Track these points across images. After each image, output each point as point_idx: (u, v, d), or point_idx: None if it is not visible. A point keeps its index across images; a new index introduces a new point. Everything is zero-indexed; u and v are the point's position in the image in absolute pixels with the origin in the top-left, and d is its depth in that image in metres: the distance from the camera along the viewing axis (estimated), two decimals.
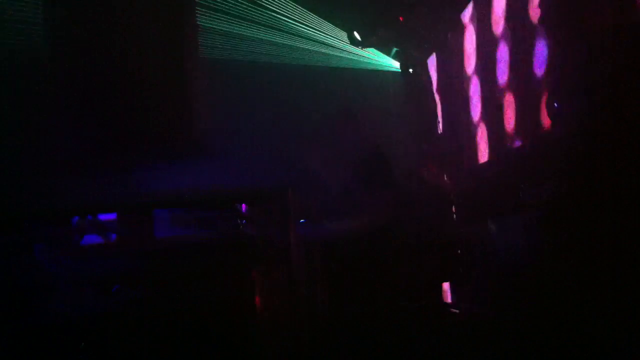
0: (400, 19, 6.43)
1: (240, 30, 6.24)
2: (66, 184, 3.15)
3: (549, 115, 3.59)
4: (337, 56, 6.87)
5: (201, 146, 3.04)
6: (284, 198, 2.57)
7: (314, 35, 6.65)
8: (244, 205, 3.17)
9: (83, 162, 3.10)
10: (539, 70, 4.14)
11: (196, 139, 3.05)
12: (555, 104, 3.49)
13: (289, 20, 6.43)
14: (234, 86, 5.71)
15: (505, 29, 5.04)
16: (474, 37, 5.81)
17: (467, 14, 5.96)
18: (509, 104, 4.93)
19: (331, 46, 6.80)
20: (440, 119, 6.58)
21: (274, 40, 6.43)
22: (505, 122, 4.99)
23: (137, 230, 2.96)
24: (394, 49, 6.98)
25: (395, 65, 7.10)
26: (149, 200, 2.87)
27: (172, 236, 3.12)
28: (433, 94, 6.65)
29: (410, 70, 6.96)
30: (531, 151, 3.95)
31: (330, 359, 3.19)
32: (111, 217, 3.33)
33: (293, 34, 6.52)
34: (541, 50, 4.13)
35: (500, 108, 5.10)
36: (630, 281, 2.59)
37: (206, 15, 5.85)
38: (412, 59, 6.90)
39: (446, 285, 5.29)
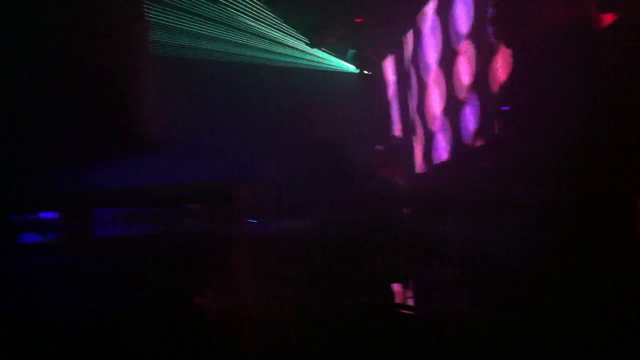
0: (357, 20, 6.45)
1: (193, 28, 6.15)
2: (8, 177, 3.03)
3: (496, 116, 3.61)
4: (293, 55, 6.83)
5: (148, 142, 2.96)
6: (232, 194, 2.50)
7: (270, 34, 6.60)
8: (192, 203, 3.09)
9: (26, 155, 2.99)
10: (493, 74, 4.17)
11: (143, 136, 2.96)
12: (502, 107, 3.51)
13: (245, 18, 6.37)
14: (185, 83, 5.62)
15: (460, 32, 5.08)
16: (431, 39, 5.84)
17: (424, 15, 6.00)
18: (465, 104, 4.96)
19: (287, 45, 6.76)
20: (395, 120, 6.61)
21: (229, 38, 6.36)
22: (462, 123, 5.03)
23: (76, 228, 2.85)
24: (351, 50, 7.00)
25: (351, 66, 7.10)
26: (90, 198, 2.76)
27: (113, 235, 3.02)
28: (387, 95, 6.68)
29: (366, 71, 6.98)
30: (484, 152, 3.97)
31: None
32: (52, 215, 3.22)
33: (248, 32, 6.46)
34: (496, 54, 4.16)
35: (455, 110, 5.14)
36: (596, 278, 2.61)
37: (158, 12, 5.74)
38: (368, 60, 6.92)
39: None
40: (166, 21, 5.86)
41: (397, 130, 6.53)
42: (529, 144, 2.94)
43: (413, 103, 6.16)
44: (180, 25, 6.03)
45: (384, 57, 6.92)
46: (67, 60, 2.89)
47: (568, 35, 2.88)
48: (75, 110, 2.85)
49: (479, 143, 4.63)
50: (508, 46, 3.42)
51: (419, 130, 5.91)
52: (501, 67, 4.03)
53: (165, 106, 3.22)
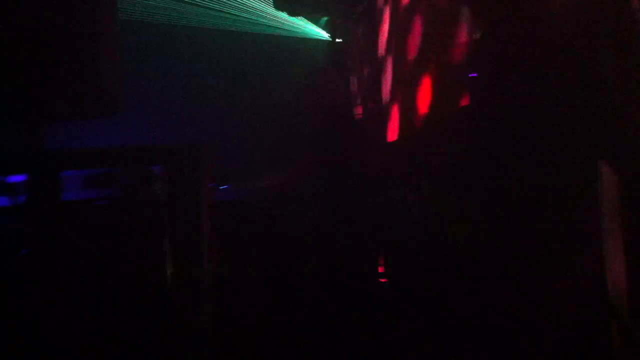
0: None
1: None
2: None
3: (462, 85, 3.67)
4: (263, 22, 6.79)
5: (113, 104, 2.96)
6: (197, 155, 2.52)
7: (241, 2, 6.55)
8: (158, 166, 3.11)
9: None
10: (455, 43, 4.21)
11: (108, 97, 2.95)
12: (470, 75, 3.57)
13: None
14: (153, 46, 5.59)
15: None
16: (390, 7, 5.84)
17: None
18: (424, 77, 5.00)
19: (258, 11, 6.71)
20: (366, 91, 6.63)
21: (196, 2, 6.30)
22: (419, 95, 5.07)
23: (44, 192, 2.86)
24: (324, 18, 6.97)
25: (324, 34, 7.09)
26: (57, 160, 2.77)
27: (81, 198, 3.04)
28: (359, 64, 6.68)
29: (339, 40, 6.97)
30: (442, 122, 4.05)
31: (243, 328, 3.21)
32: (20, 178, 3.22)
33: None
34: (456, 24, 4.20)
35: (414, 81, 5.18)
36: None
37: None
38: (340, 28, 6.90)
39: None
40: None
41: (369, 97, 6.56)
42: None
43: (381, 72, 6.17)
44: None
45: (357, 24, 6.91)
46: (24, 23, 2.85)
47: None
48: (38, 76, 2.83)
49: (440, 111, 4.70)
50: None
51: (386, 99, 5.95)
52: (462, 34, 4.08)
53: (130, 70, 3.21)
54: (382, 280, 4.90)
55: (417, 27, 5.06)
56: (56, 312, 2.82)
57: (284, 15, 6.76)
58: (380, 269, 5.14)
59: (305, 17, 6.95)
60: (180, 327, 2.44)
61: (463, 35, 3.89)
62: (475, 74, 3.49)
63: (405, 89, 5.48)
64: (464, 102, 3.82)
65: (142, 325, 2.66)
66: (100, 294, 2.85)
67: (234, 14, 6.54)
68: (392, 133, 5.83)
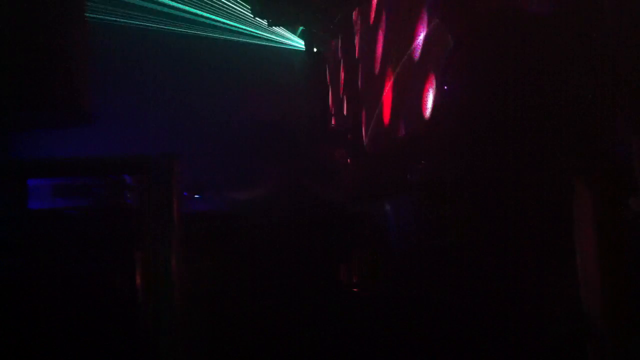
0: None
1: None
2: None
3: (438, 97, 3.69)
4: (240, 31, 6.78)
5: (84, 113, 2.92)
6: (169, 166, 2.49)
7: (219, 8, 6.53)
8: (128, 176, 3.08)
9: None
10: (424, 56, 4.24)
11: (80, 106, 2.92)
12: (445, 87, 3.59)
13: None
14: (126, 54, 5.53)
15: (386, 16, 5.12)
16: (369, 20, 5.88)
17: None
18: (390, 90, 5.03)
19: (235, 20, 6.70)
20: (343, 101, 6.64)
21: (174, 10, 6.27)
22: (391, 107, 5.10)
23: (8, 200, 2.81)
24: (300, 28, 6.97)
25: (300, 43, 7.09)
26: (23, 168, 2.72)
27: (48, 208, 2.99)
28: (335, 74, 6.70)
29: (315, 49, 6.98)
30: (418, 135, 4.07)
31: (218, 343, 3.17)
32: None
33: (196, 6, 6.37)
34: (423, 35, 4.23)
35: (382, 94, 5.20)
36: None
37: None
38: (317, 38, 6.91)
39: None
40: None
41: (345, 109, 6.57)
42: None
43: (358, 82, 6.20)
44: None
45: (334, 35, 6.92)
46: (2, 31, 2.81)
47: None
48: (8, 82, 2.79)
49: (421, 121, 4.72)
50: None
51: (364, 110, 5.98)
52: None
53: (102, 78, 3.18)
54: (355, 290, 4.89)
55: (383, 40, 5.08)
56: (25, 321, 2.76)
57: (262, 25, 6.76)
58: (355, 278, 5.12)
59: (284, 27, 6.95)
60: (150, 337, 2.40)
61: (433, 45, 3.91)
62: (446, 87, 3.51)
63: (382, 100, 5.50)
64: (439, 115, 3.84)
65: (112, 335, 2.61)
66: (71, 303, 2.80)
67: (211, 22, 6.52)
68: (371, 145, 5.85)
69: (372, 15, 5.74)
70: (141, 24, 6.11)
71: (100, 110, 2.99)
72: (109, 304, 2.72)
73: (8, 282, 2.81)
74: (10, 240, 2.87)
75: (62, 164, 2.74)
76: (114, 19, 5.89)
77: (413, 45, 4.46)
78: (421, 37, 4.37)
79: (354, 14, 6.17)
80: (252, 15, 6.43)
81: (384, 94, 5.02)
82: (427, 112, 4.18)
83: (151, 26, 6.16)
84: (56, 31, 2.89)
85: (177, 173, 2.58)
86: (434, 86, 3.84)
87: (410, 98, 4.65)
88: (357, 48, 6.20)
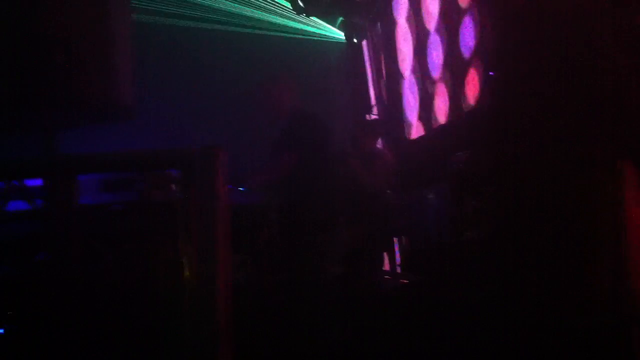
0: None
1: None
2: None
3: (482, 84, 3.63)
4: (280, 24, 6.77)
5: (127, 109, 2.95)
6: (213, 158, 2.49)
7: (256, 2, 6.53)
8: (174, 170, 3.11)
9: (2, 119, 2.97)
10: (470, 46, 4.17)
11: (123, 102, 2.95)
12: (491, 73, 3.54)
13: None
14: (169, 50, 5.59)
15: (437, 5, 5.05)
16: (409, 9, 5.80)
17: None
18: (443, 79, 4.96)
19: (274, 13, 6.70)
20: (383, 90, 6.58)
21: (213, 5, 6.29)
22: (438, 97, 5.03)
23: (61, 196, 2.86)
24: (339, 18, 6.93)
25: (340, 35, 7.05)
26: (72, 164, 2.76)
27: (98, 203, 3.04)
28: (377, 65, 6.64)
29: (355, 40, 6.93)
30: (461, 123, 4.01)
31: (257, 332, 3.19)
32: (38, 182, 3.24)
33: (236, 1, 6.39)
34: (470, 27, 4.15)
35: (433, 84, 5.14)
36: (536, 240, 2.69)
37: None
38: (357, 28, 6.86)
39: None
40: None
41: (385, 100, 6.52)
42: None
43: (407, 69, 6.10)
44: None
45: (373, 24, 6.86)
46: (39, 28, 2.85)
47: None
48: (54, 78, 2.83)
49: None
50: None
51: (412, 97, 5.90)
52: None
53: (144, 74, 3.21)
54: (388, 278, 4.88)
55: (437, 25, 5.01)
56: (72, 316, 2.82)
57: (299, 18, 6.74)
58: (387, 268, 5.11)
59: (321, 18, 6.92)
60: (195, 332, 2.42)
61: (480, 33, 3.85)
62: (492, 73, 3.46)
63: (424, 89, 5.44)
64: (483, 101, 3.78)
65: (156, 330, 2.65)
66: (117, 298, 2.85)
67: (248, 16, 6.54)
68: (411, 133, 5.79)
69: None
70: (181, 21, 6.17)
71: (142, 105, 3.02)
72: (154, 297, 2.75)
73: (57, 275, 2.88)
74: (61, 234, 2.93)
75: (107, 159, 2.78)
76: (154, 15, 5.96)
77: (457, 34, 4.39)
78: (464, 26, 4.30)
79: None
80: (292, 11, 6.43)
81: (440, 79, 4.96)
82: (470, 99, 4.12)
83: (191, 23, 6.22)
84: (98, 26, 2.91)
85: (223, 165, 2.59)
86: (478, 73, 3.77)
87: (452, 85, 4.59)
88: (397, 36, 6.14)
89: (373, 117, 6.37)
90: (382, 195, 4.62)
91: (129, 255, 2.80)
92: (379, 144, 5.92)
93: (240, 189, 4.32)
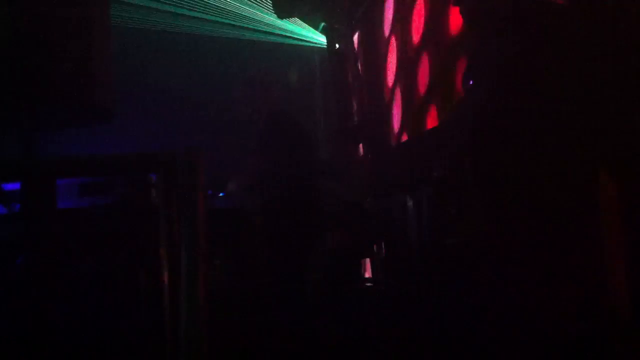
0: None
1: None
2: None
3: (462, 90, 3.66)
4: (260, 29, 6.78)
5: (106, 111, 2.94)
6: (193, 161, 2.48)
7: (236, 6, 6.54)
8: (153, 175, 3.10)
9: None
10: (452, 48, 4.21)
11: (101, 104, 2.93)
12: (471, 81, 3.56)
13: None
14: (147, 54, 5.58)
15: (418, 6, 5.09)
16: (390, 11, 5.84)
17: None
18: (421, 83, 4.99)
19: (254, 18, 6.70)
20: (365, 96, 6.60)
21: (189, 10, 6.30)
22: (416, 100, 5.06)
23: (39, 200, 2.84)
24: (322, 23, 6.94)
25: (322, 40, 7.06)
26: (51, 168, 2.74)
27: (76, 207, 3.02)
28: (357, 70, 6.66)
29: (337, 45, 6.94)
30: (441, 131, 4.04)
31: (239, 337, 3.18)
32: (15, 186, 3.21)
33: (212, 5, 6.39)
34: (453, 27, 4.19)
35: (411, 88, 5.17)
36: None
37: None
38: (338, 33, 6.88)
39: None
40: None
41: (366, 104, 6.54)
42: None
43: (379, 81, 6.16)
44: None
45: (355, 30, 6.89)
46: (24, 27, 2.83)
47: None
48: (33, 80, 2.81)
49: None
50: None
51: (395, 104, 5.94)
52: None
53: (123, 76, 3.20)
54: (368, 284, 4.89)
55: (418, 26, 5.05)
56: (53, 318, 2.80)
57: (280, 22, 6.76)
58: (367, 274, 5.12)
59: (303, 21, 6.94)
60: (175, 335, 2.41)
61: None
62: (472, 81, 3.48)
63: (405, 94, 5.47)
64: (464, 108, 3.80)
65: (137, 333, 2.64)
66: (97, 301, 2.83)
67: (229, 22, 6.54)
68: (392, 138, 5.82)
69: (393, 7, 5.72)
70: (151, 24, 6.16)
71: (120, 108, 3.01)
72: (134, 303, 2.74)
73: (37, 279, 2.85)
74: (39, 238, 2.91)
75: (86, 163, 2.75)
76: (134, 18, 5.94)
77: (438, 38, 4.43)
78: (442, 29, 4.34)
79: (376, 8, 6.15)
80: (273, 15, 6.44)
81: (420, 86, 4.99)
82: (452, 105, 4.15)
83: (159, 25, 6.20)
84: (77, 27, 2.89)
85: (202, 168, 2.58)
86: (460, 80, 3.80)
87: (436, 91, 4.63)
88: (378, 42, 6.17)
89: (354, 123, 6.39)
90: (362, 202, 4.63)
91: (109, 259, 2.79)
92: (360, 150, 5.94)
93: (220, 194, 4.32)
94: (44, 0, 2.84)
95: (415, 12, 5.15)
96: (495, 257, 2.84)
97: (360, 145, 6.34)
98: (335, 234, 4.39)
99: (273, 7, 6.40)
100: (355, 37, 6.90)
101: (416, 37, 5.10)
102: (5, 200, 3.20)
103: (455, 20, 4.23)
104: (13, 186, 3.22)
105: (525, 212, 2.73)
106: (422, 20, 4.99)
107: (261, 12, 6.63)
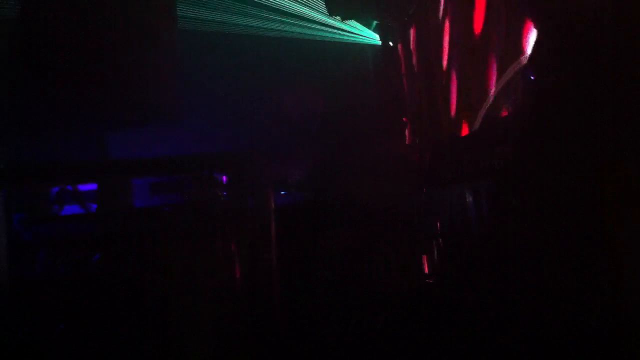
0: None
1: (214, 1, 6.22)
2: (38, 148, 3.16)
3: (523, 86, 3.64)
4: (315, 28, 6.85)
5: (172, 112, 3.06)
6: (259, 160, 2.59)
7: (291, 7, 6.62)
8: (224, 176, 3.20)
9: (53, 122, 3.10)
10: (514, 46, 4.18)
11: (167, 105, 3.06)
12: (532, 77, 3.54)
13: None
14: (210, 55, 5.71)
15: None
16: (448, 9, 5.81)
17: None
18: (482, 78, 4.96)
19: (309, 18, 6.78)
20: (417, 92, 6.60)
21: (250, 11, 6.41)
22: (477, 94, 5.04)
23: (116, 199, 2.99)
24: (374, 22, 6.98)
25: (375, 38, 7.10)
26: (125, 169, 2.89)
27: (152, 205, 3.15)
28: (412, 67, 6.66)
29: (391, 43, 6.97)
30: (503, 123, 4.01)
31: (306, 336, 3.24)
32: (91, 187, 3.36)
33: (269, 6, 6.50)
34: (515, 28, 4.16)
35: (471, 82, 5.14)
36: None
37: None
38: (392, 31, 6.90)
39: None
40: None
41: (418, 99, 6.54)
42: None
43: (435, 77, 6.13)
44: None
45: (409, 27, 6.89)
46: (94, 32, 2.96)
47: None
48: (101, 83, 2.95)
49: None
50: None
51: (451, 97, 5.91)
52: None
53: (188, 77, 3.31)
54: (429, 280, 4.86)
55: (478, 21, 5.03)
56: (129, 315, 2.92)
57: (334, 22, 6.82)
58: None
59: (357, 21, 6.98)
60: (251, 330, 2.51)
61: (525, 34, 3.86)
62: (533, 76, 3.46)
63: (462, 88, 5.45)
64: (523, 103, 3.79)
65: (213, 328, 2.73)
66: (172, 298, 2.94)
67: (283, 21, 6.63)
68: (448, 132, 5.80)
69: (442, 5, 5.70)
70: (221, 27, 6.29)
71: (187, 108, 3.12)
72: (208, 298, 2.83)
73: (113, 275, 2.98)
74: (117, 236, 3.05)
75: (157, 163, 2.89)
76: (195, 22, 6.10)
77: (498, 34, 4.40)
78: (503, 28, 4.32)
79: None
80: (326, 13, 6.50)
81: (479, 78, 4.97)
82: (512, 98, 4.12)
83: (232, 28, 6.33)
84: (145, 32, 3.01)
85: (267, 167, 2.68)
86: (519, 74, 3.79)
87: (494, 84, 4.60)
88: (433, 36, 6.16)
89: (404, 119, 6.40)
90: (408, 195, 4.62)
91: (182, 255, 2.90)
92: (404, 145, 5.93)
93: (282, 192, 4.41)
94: (111, 7, 2.98)
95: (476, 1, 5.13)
96: (514, 252, 2.82)
97: (407, 137, 6.34)
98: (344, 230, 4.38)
99: (326, 6, 6.46)
100: (410, 33, 6.90)
101: (477, 29, 5.07)
102: (81, 200, 3.34)
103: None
104: (89, 187, 3.36)
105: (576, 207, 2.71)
106: (483, 10, 4.95)
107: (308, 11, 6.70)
